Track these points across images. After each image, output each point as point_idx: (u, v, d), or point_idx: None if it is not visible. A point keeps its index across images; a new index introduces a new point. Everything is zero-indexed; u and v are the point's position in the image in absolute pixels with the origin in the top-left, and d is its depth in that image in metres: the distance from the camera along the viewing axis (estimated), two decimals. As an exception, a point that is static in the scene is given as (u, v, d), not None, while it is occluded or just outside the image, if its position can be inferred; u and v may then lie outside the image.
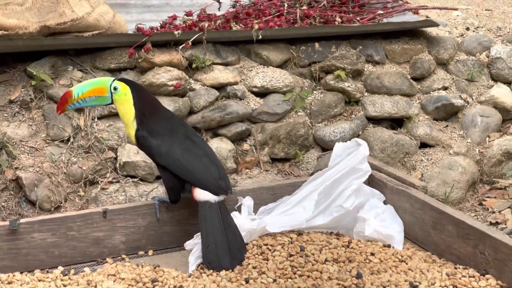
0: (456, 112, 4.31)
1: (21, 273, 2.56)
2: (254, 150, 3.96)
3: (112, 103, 2.71)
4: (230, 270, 2.52)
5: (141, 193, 3.68)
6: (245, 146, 3.95)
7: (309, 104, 4.08)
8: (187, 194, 2.62)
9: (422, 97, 4.31)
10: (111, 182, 3.68)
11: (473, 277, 2.46)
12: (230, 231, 2.55)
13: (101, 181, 3.66)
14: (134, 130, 2.64)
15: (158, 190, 3.70)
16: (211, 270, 2.51)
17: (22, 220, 2.57)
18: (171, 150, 2.57)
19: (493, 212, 3.90)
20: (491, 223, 3.76)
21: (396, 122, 4.22)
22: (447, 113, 4.29)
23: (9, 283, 2.49)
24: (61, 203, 3.56)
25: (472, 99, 4.39)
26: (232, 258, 2.53)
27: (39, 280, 2.52)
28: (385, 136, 4.05)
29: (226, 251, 2.51)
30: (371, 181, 2.96)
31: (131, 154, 3.68)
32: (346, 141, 3.82)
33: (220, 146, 3.84)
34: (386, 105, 4.15)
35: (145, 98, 2.69)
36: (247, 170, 3.91)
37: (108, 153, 3.68)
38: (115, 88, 2.68)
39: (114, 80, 2.68)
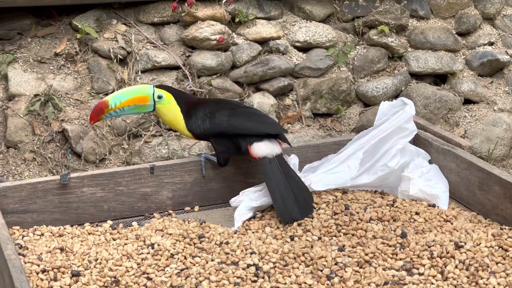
0: (501, 68, 4.25)
1: (72, 226, 2.60)
2: (296, 105, 3.95)
3: (153, 110, 2.67)
4: (276, 227, 2.55)
5: (183, 146, 3.71)
6: (287, 101, 3.95)
7: (351, 59, 4.05)
8: (245, 154, 2.61)
9: (467, 52, 4.25)
10: (154, 136, 3.72)
11: (519, 238, 2.44)
12: (294, 183, 2.57)
13: (144, 134, 3.70)
14: (186, 129, 2.64)
15: (201, 144, 3.72)
16: (285, 223, 2.53)
17: (72, 175, 2.61)
18: (216, 119, 2.59)
19: (537, 170, 3.87)
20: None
21: (440, 78, 4.18)
22: (492, 69, 4.23)
23: (60, 235, 2.53)
24: (106, 155, 3.61)
25: (518, 55, 4.32)
26: (301, 208, 2.56)
27: (89, 233, 2.56)
28: (428, 92, 4.01)
29: (293, 203, 2.54)
30: (416, 141, 2.94)
31: (174, 108, 3.70)
32: (388, 97, 3.81)
33: (262, 100, 3.84)
34: (430, 61, 4.10)
35: (187, 99, 2.68)
36: (289, 125, 3.91)
37: (152, 106, 3.71)
38: (159, 97, 2.63)
39: (154, 88, 2.64)
